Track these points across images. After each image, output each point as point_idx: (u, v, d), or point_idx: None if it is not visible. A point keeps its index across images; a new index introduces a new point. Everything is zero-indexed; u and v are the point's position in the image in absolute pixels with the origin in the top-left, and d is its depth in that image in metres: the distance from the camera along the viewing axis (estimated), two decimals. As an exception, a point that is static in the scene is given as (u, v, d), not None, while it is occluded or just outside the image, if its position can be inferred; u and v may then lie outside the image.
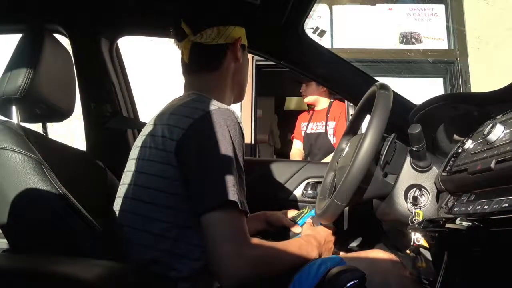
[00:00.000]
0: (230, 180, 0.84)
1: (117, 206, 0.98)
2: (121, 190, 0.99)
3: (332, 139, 2.89)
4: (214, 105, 0.91)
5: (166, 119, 0.93)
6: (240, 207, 0.84)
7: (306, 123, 3.07)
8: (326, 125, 2.93)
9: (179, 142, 0.87)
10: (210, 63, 1.04)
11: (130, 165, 0.98)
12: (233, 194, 0.83)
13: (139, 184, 0.93)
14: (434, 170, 0.95)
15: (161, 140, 0.90)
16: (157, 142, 0.91)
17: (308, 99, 3.01)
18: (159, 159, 0.90)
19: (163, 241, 0.88)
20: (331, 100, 3.01)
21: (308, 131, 3.02)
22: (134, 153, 0.99)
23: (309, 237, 1.01)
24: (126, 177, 0.98)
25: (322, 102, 3.01)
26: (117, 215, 0.97)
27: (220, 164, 0.85)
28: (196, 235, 0.87)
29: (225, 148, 0.86)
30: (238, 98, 1.14)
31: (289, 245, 0.95)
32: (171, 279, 0.87)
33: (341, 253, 1.07)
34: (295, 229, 1.19)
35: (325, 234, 1.05)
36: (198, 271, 0.88)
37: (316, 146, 2.94)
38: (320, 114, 3.00)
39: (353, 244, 1.38)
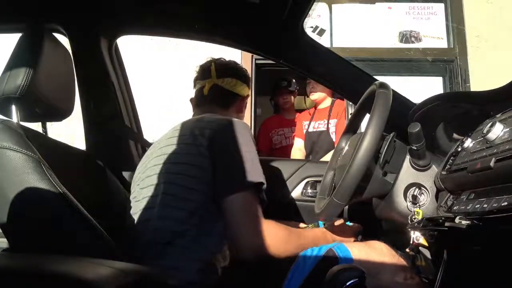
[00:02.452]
0: (258, 167, 1.00)
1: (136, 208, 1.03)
2: (141, 195, 1.03)
3: (334, 137, 2.88)
4: (233, 118, 1.07)
5: (192, 124, 1.06)
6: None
7: (307, 122, 3.06)
8: (328, 123, 2.92)
9: (210, 137, 1.00)
10: (223, 102, 1.26)
11: (145, 170, 1.06)
12: (263, 178, 1.00)
13: (167, 183, 1.00)
14: (434, 169, 0.95)
15: (191, 137, 1.01)
16: (186, 139, 1.02)
17: (318, 96, 2.98)
18: (187, 151, 1.00)
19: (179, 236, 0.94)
20: (333, 98, 3.01)
21: (310, 130, 3.01)
22: (155, 153, 1.07)
23: (326, 233, 1.11)
24: (144, 181, 1.05)
25: (326, 101, 3.01)
26: (135, 216, 1.03)
27: (249, 155, 1.00)
28: (204, 237, 0.92)
29: (251, 146, 1.02)
30: None
31: (307, 234, 1.07)
32: (173, 279, 0.88)
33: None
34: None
35: (339, 239, 1.11)
36: (199, 272, 0.89)
37: (318, 144, 2.93)
38: (323, 112, 2.99)
39: (353, 243, 1.38)
